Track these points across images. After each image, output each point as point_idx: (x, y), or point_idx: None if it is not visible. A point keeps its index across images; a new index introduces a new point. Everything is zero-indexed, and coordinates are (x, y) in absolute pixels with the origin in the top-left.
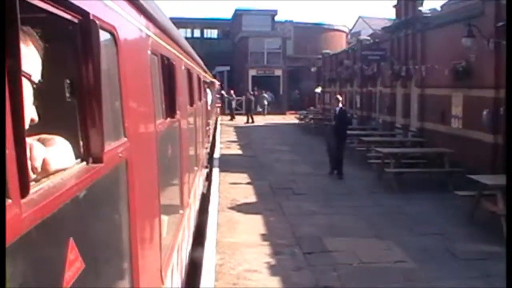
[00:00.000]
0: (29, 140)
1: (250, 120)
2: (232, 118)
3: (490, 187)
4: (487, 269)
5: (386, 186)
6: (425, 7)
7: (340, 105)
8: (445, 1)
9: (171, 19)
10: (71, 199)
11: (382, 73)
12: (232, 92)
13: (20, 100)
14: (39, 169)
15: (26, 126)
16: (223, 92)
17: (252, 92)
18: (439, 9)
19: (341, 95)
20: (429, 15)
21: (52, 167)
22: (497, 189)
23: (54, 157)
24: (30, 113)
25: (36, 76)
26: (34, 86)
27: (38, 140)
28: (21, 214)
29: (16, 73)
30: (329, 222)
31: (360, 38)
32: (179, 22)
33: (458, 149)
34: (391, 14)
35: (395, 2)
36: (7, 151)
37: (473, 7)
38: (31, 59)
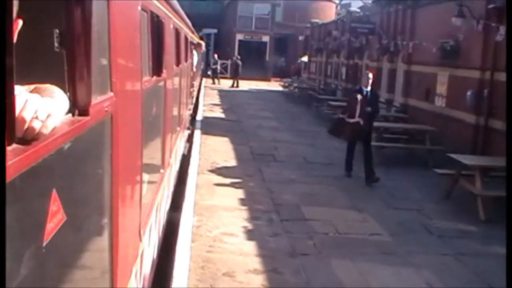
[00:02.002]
0: (24, 92)
1: (235, 84)
2: (214, 82)
3: (469, 167)
4: (461, 247)
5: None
6: None
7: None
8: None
9: None
10: (56, 151)
11: (369, 46)
12: (216, 55)
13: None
14: (36, 130)
15: None
16: (215, 56)
17: (239, 57)
18: None
19: (372, 72)
20: None
21: (55, 122)
22: (476, 170)
23: (56, 111)
24: None
25: None
26: None
27: (34, 89)
28: (7, 162)
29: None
30: (307, 191)
31: (350, 10)
32: None
33: (440, 127)
34: None
35: None
36: None
37: None
38: None
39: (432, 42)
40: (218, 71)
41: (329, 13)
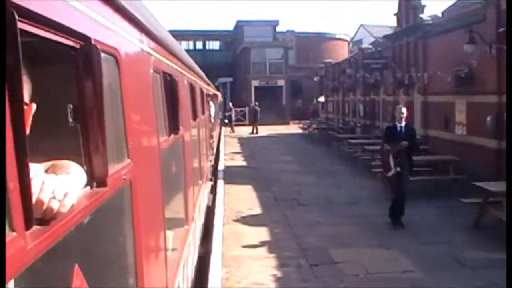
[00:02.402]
0: (41, 173)
1: (255, 131)
2: (232, 130)
3: (495, 193)
4: (494, 277)
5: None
6: (426, 14)
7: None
8: (446, 7)
9: (173, 31)
10: (76, 226)
11: (384, 81)
12: (230, 104)
13: (22, 132)
14: (55, 210)
15: None
16: (230, 104)
17: (257, 103)
18: (440, 15)
19: (407, 107)
20: (430, 22)
21: (73, 200)
22: (503, 196)
23: (73, 188)
24: None
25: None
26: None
27: (51, 166)
28: (26, 246)
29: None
30: (334, 233)
31: (362, 47)
32: (181, 35)
33: (463, 155)
34: (392, 22)
35: (396, 10)
36: (10, 184)
37: (475, 13)
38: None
39: (447, 71)
40: (233, 119)
41: (341, 51)
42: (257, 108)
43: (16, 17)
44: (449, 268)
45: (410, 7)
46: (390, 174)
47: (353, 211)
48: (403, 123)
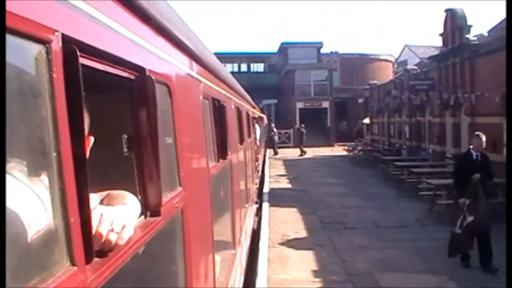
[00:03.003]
0: (98, 204)
1: (302, 153)
2: (276, 153)
3: None
4: None
5: (439, 218)
6: (472, 33)
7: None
8: (492, 27)
9: (218, 54)
10: (132, 257)
11: (430, 102)
12: (273, 126)
13: (84, 166)
14: (113, 242)
15: None
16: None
17: (303, 125)
18: (486, 34)
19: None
20: (477, 42)
21: (130, 232)
22: None
23: (130, 219)
24: None
25: None
26: None
27: (106, 196)
28: (86, 279)
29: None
30: (381, 257)
31: (407, 68)
32: (226, 57)
33: None
34: (437, 41)
35: (441, 30)
36: (71, 219)
37: None
38: None
39: (494, 91)
40: (276, 141)
41: (386, 72)
42: (303, 130)
43: (78, 53)
44: None
45: (456, 27)
46: (462, 202)
47: (400, 235)
48: (477, 152)
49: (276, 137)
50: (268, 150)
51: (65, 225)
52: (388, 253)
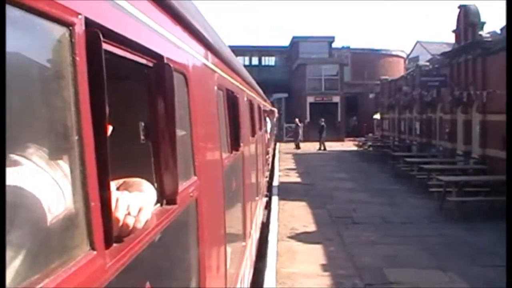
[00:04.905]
0: (114, 191)
1: (322, 147)
2: (298, 147)
3: None
4: None
5: (448, 215)
6: (485, 30)
7: None
8: (505, 24)
9: (230, 47)
10: (149, 244)
11: (442, 99)
12: (297, 120)
13: (104, 151)
14: (131, 226)
15: None
16: (297, 120)
17: (323, 119)
18: (498, 31)
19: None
20: (490, 39)
21: (147, 215)
22: None
23: (146, 203)
24: None
25: None
26: None
27: (122, 184)
28: (105, 264)
29: (102, 120)
30: (390, 252)
31: (419, 64)
32: (237, 50)
33: None
34: (449, 38)
35: (454, 27)
36: (92, 203)
37: None
38: None
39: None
40: (300, 134)
41: (397, 68)
42: (323, 124)
43: (101, 37)
44: None
45: (469, 24)
46: None
47: (409, 231)
48: None
49: (301, 131)
50: (277, 144)
51: (85, 209)
52: (396, 248)
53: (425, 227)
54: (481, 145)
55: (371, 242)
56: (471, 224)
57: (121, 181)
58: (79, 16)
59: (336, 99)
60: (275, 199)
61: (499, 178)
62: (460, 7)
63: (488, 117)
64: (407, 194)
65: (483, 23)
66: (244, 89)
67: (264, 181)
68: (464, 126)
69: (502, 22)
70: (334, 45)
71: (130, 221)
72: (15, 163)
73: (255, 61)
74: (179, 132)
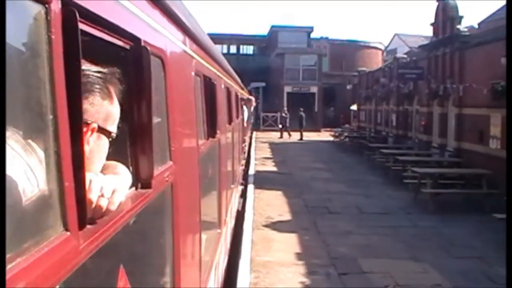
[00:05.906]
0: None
1: (300, 137)
2: (289, 135)
3: None
4: None
5: (422, 206)
6: (463, 25)
7: None
8: (483, 19)
9: (208, 35)
10: (123, 227)
11: (418, 91)
12: (285, 109)
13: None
14: (104, 207)
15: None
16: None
17: (302, 109)
18: (476, 26)
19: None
20: (468, 33)
21: (121, 197)
22: None
23: (121, 185)
24: (103, 163)
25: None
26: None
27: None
28: (79, 246)
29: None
30: (364, 242)
31: (397, 56)
32: (216, 38)
33: (496, 170)
34: (427, 31)
35: (432, 20)
36: (66, 183)
37: None
38: (115, 117)
39: (483, 83)
40: (287, 124)
41: (375, 60)
42: (303, 114)
43: (78, 16)
44: (480, 284)
45: (447, 18)
46: None
47: (384, 222)
48: None
49: (288, 120)
50: (254, 132)
51: (59, 189)
52: (371, 239)
53: (400, 218)
54: (457, 138)
55: (346, 232)
56: (446, 216)
57: None
58: None
59: (314, 89)
60: (250, 187)
61: (474, 171)
62: (439, 0)
63: (464, 110)
64: (382, 185)
65: (461, 17)
66: (222, 76)
67: (240, 169)
68: (440, 119)
69: (480, 16)
70: (312, 35)
71: (104, 203)
72: None
73: (233, 49)
74: (156, 117)
